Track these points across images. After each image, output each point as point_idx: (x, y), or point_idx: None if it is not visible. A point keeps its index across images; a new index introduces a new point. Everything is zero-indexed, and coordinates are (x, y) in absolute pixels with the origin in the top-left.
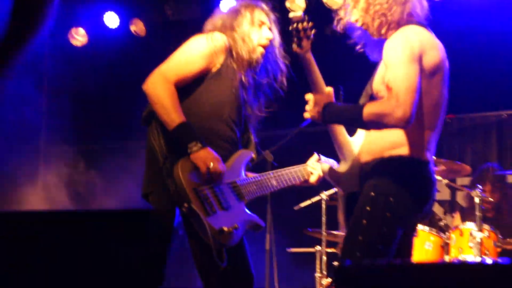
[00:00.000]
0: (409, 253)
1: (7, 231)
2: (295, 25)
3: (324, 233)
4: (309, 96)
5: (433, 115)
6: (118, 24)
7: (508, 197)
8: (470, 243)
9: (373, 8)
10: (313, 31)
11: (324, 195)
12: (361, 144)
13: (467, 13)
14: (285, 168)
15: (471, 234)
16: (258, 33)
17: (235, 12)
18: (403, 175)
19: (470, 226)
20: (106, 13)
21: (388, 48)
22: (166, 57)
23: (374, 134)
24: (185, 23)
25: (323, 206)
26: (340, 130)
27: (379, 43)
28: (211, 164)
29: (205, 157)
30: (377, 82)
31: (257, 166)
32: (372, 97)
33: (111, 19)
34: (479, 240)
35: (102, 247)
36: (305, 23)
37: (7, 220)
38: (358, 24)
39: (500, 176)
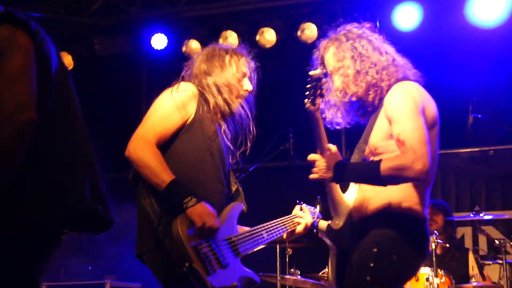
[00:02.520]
0: None
1: None
2: (314, 83)
3: (278, 277)
4: (315, 156)
5: (432, 170)
6: None
7: (455, 240)
8: None
9: (364, 79)
10: (326, 90)
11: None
12: (355, 201)
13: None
14: (274, 220)
15: (427, 280)
16: (239, 84)
17: (218, 59)
18: (406, 234)
19: (425, 271)
20: None
21: (392, 103)
22: (94, 91)
23: (368, 190)
24: (113, 57)
25: (278, 249)
26: (335, 187)
27: (353, 106)
28: (208, 219)
29: (201, 211)
30: (377, 138)
31: None
32: (367, 154)
33: None
34: (436, 286)
35: None
36: (322, 81)
37: None
38: (353, 99)
39: (449, 221)
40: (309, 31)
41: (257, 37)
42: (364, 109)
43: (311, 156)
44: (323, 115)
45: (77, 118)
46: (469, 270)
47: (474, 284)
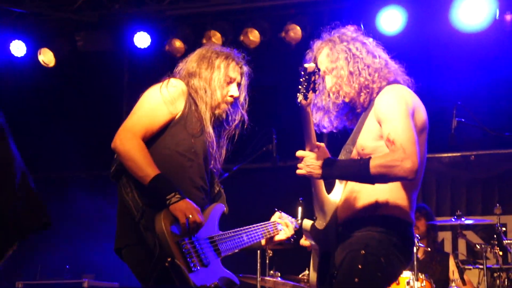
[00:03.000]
0: None
1: None
2: (307, 77)
3: (259, 279)
4: (303, 153)
5: (419, 173)
6: (24, 53)
7: (436, 245)
8: None
9: (356, 80)
10: (318, 85)
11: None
12: (340, 201)
13: None
14: (254, 225)
15: (408, 284)
16: (225, 89)
17: (208, 61)
18: (392, 236)
19: (407, 275)
20: (13, 41)
21: (383, 103)
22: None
23: (355, 191)
24: (95, 54)
25: (258, 251)
26: (321, 187)
27: (342, 109)
28: (191, 215)
29: (185, 207)
30: (365, 138)
31: None
32: (353, 155)
33: (18, 48)
34: None
35: None
36: (316, 76)
37: None
38: (346, 100)
39: (431, 225)
40: (294, 32)
41: (241, 37)
42: (353, 113)
43: (300, 152)
44: (319, 119)
45: None
46: (449, 274)
47: None
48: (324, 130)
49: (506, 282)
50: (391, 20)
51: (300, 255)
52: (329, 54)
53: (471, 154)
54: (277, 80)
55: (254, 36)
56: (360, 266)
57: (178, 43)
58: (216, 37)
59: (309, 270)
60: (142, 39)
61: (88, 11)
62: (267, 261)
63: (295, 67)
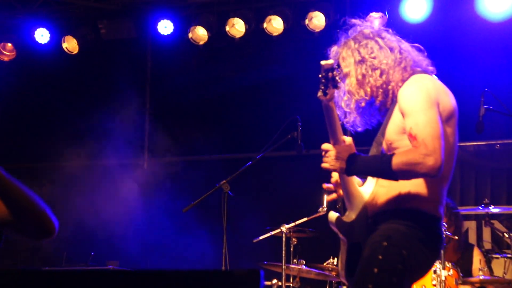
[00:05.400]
0: None
1: None
2: (325, 73)
3: (284, 266)
4: (328, 146)
5: (448, 165)
6: (48, 40)
7: (461, 233)
8: (433, 281)
9: (368, 83)
10: (340, 81)
11: (284, 228)
12: (371, 194)
13: None
14: None
15: (435, 272)
16: None
17: None
18: (417, 230)
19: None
20: (38, 29)
21: (404, 96)
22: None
23: (384, 184)
24: (119, 42)
25: (283, 239)
26: (351, 180)
27: (367, 109)
28: None
29: None
30: (391, 132)
31: (214, 196)
32: (384, 147)
33: (42, 35)
34: (444, 279)
35: None
36: (335, 72)
37: None
38: (362, 104)
39: (456, 213)
40: (317, 19)
41: (264, 25)
42: (381, 108)
43: (325, 146)
44: (345, 120)
45: None
46: (474, 264)
47: (482, 277)
48: (359, 129)
49: None
50: (416, 7)
51: (325, 244)
52: (344, 58)
53: (497, 143)
54: (300, 68)
55: (277, 23)
56: (380, 257)
57: (201, 31)
58: (239, 24)
59: (333, 258)
60: (165, 27)
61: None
62: (292, 249)
63: (318, 55)
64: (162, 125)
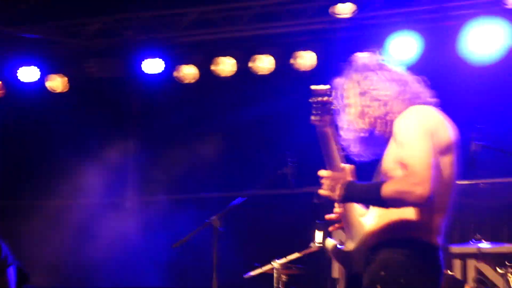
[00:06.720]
0: None
1: None
2: (315, 98)
3: None
4: (324, 173)
5: (444, 196)
6: (37, 78)
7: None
8: None
9: (366, 115)
10: (333, 106)
11: (276, 263)
12: (371, 225)
13: None
14: None
15: None
16: None
17: None
18: (415, 260)
19: None
20: (21, 68)
21: (398, 127)
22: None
23: (383, 214)
24: (105, 80)
25: (275, 275)
26: (352, 209)
27: (373, 138)
28: None
29: None
30: (387, 162)
31: (205, 232)
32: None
33: (27, 74)
34: None
35: None
36: (326, 98)
37: None
38: (361, 135)
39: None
40: (305, 59)
41: (250, 64)
42: (381, 138)
43: (322, 172)
44: (350, 150)
45: None
46: None
47: None
48: (364, 159)
49: None
50: (404, 48)
51: (314, 280)
52: (345, 90)
53: (481, 182)
54: (290, 106)
55: (266, 62)
56: (379, 287)
57: (188, 69)
58: (227, 63)
59: None
60: (152, 66)
61: (101, 38)
62: (281, 286)
63: (307, 93)
64: (149, 163)
